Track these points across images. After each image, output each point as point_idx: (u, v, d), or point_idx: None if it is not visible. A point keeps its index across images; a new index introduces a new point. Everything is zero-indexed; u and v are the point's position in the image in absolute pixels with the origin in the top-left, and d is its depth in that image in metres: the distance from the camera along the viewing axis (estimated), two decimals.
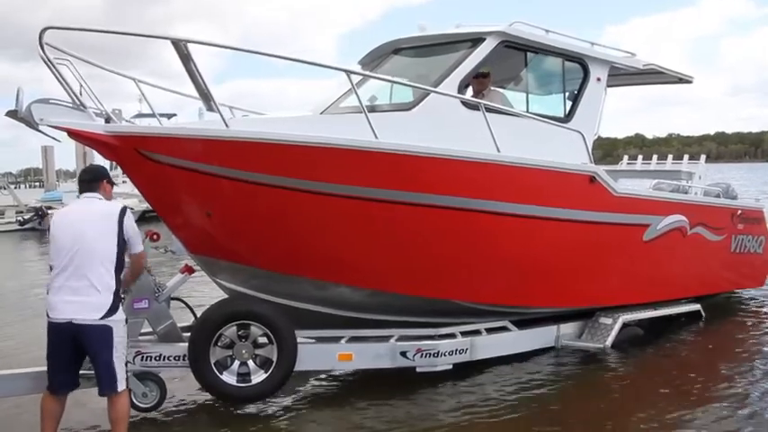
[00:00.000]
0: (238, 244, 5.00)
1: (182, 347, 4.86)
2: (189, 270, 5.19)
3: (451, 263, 5.35)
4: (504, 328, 5.92)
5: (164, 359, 4.84)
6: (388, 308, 5.39)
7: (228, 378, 4.81)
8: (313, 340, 5.43)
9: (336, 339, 5.33)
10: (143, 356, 4.78)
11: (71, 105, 4.40)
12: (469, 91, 6.07)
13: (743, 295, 8.66)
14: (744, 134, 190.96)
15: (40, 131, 4.30)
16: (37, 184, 77.95)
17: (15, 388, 4.62)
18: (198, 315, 5.18)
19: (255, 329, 4.86)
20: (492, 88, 6.03)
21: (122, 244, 3.93)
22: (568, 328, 6.34)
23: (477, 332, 5.75)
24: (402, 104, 5.49)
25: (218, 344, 4.82)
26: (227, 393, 4.84)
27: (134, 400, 4.62)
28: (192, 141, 4.57)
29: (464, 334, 5.66)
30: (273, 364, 4.84)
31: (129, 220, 3.98)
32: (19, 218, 22.56)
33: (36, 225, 21.56)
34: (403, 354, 5.27)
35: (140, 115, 19.12)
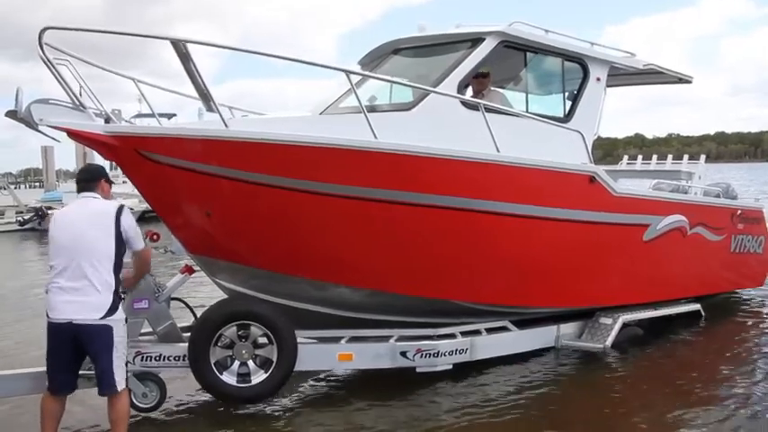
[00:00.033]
0: (238, 244, 5.00)
1: (182, 348, 4.86)
2: (189, 270, 5.19)
3: (451, 263, 5.35)
4: (504, 328, 5.92)
5: (164, 359, 4.83)
6: (387, 308, 5.39)
7: (228, 378, 4.81)
8: (313, 340, 5.43)
9: (336, 339, 5.33)
10: (143, 356, 4.77)
11: (71, 105, 4.40)
12: (469, 91, 6.07)
13: (743, 295, 8.66)
14: (744, 134, 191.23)
15: (39, 132, 4.30)
16: (37, 184, 77.93)
17: (15, 388, 4.61)
18: (198, 315, 5.18)
19: (255, 330, 4.86)
20: (492, 88, 6.03)
21: (120, 242, 3.92)
22: (568, 328, 6.34)
23: (477, 332, 5.74)
24: (402, 104, 5.49)
25: (218, 344, 4.82)
26: (227, 393, 4.84)
27: (134, 401, 4.62)
28: (192, 141, 4.57)
29: (464, 334, 5.66)
30: (273, 365, 4.84)
31: (127, 219, 3.96)
32: (19, 218, 22.57)
33: (36, 225, 21.56)
34: (403, 354, 5.27)
35: (140, 115, 19.13)
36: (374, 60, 6.31)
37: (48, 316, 3.82)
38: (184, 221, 5.03)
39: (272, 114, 6.00)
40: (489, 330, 5.82)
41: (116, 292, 3.89)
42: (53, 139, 4.75)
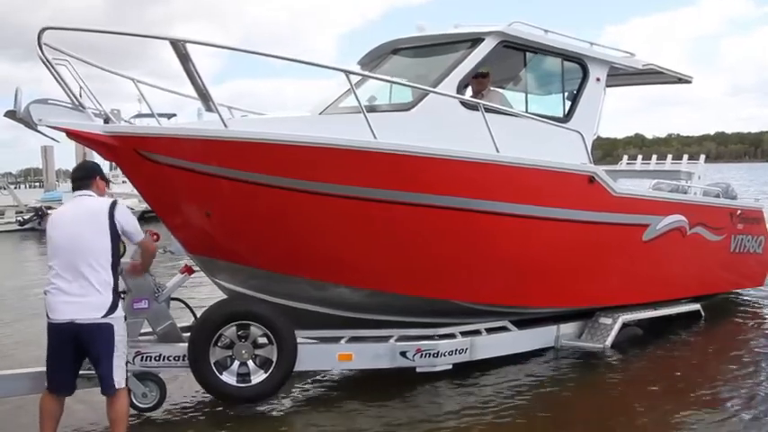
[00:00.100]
0: (237, 244, 5.00)
1: (181, 348, 4.85)
2: (189, 270, 5.18)
3: (451, 263, 5.34)
4: (503, 328, 5.92)
5: (163, 359, 4.83)
6: (387, 308, 5.39)
7: (228, 378, 4.81)
8: (313, 340, 5.43)
9: (336, 339, 5.33)
10: (143, 357, 4.77)
11: (70, 106, 4.40)
12: (469, 91, 6.07)
13: (742, 295, 8.66)
14: (743, 134, 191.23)
15: (38, 132, 4.29)
16: (37, 184, 77.99)
17: (15, 388, 4.61)
18: (198, 315, 5.18)
19: (255, 330, 4.86)
20: (491, 88, 6.03)
21: (116, 239, 3.91)
22: (568, 328, 6.34)
23: (476, 332, 5.74)
24: (401, 105, 5.49)
25: (218, 344, 4.82)
26: (227, 394, 4.84)
27: (134, 401, 4.62)
28: (191, 141, 4.57)
29: (464, 334, 5.66)
30: (273, 365, 4.84)
31: (122, 214, 3.94)
32: (19, 218, 22.60)
33: (36, 225, 21.57)
34: (403, 354, 5.27)
35: (140, 115, 19.12)
36: (374, 60, 6.31)
37: (48, 317, 3.82)
38: (184, 221, 5.03)
39: (272, 114, 6.00)
40: (489, 330, 5.81)
41: (115, 291, 3.90)
42: (52, 139, 4.74)
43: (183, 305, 5.45)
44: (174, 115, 21.16)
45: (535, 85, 6.50)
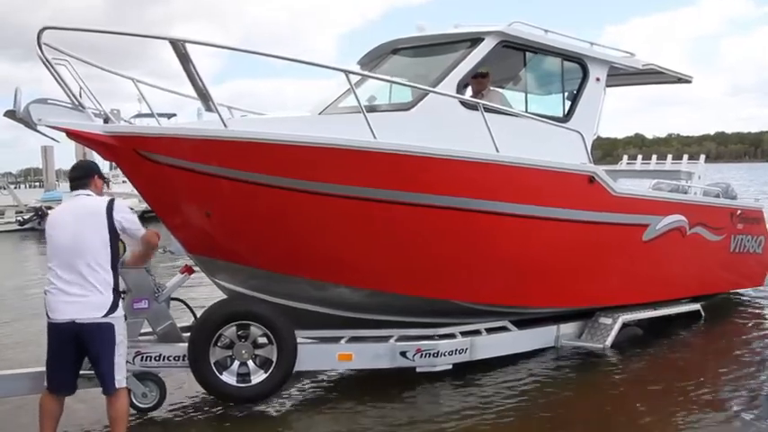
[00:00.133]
0: (237, 244, 5.00)
1: (181, 348, 4.85)
2: (189, 270, 5.18)
3: (451, 263, 5.34)
4: (503, 328, 5.92)
5: (163, 359, 4.83)
6: (387, 308, 5.39)
7: (228, 378, 4.81)
8: (313, 340, 5.43)
9: (336, 339, 5.33)
10: (143, 356, 4.77)
11: (69, 105, 4.40)
12: (468, 91, 6.07)
13: (742, 295, 8.66)
14: (743, 134, 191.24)
15: (38, 132, 4.29)
16: (37, 184, 77.97)
17: (14, 388, 4.61)
18: (198, 315, 5.18)
19: (255, 330, 4.86)
20: (491, 88, 6.02)
21: (115, 237, 3.91)
22: (568, 328, 6.34)
23: (476, 332, 5.74)
24: (401, 104, 5.49)
25: (218, 344, 4.82)
26: (227, 394, 4.84)
27: (134, 401, 4.62)
28: (191, 141, 4.56)
29: (464, 334, 5.66)
30: (273, 365, 4.84)
31: (120, 211, 3.93)
32: (19, 218, 22.62)
33: (36, 225, 21.57)
34: (403, 354, 5.27)
35: (139, 115, 19.12)
36: (373, 60, 6.31)
37: (48, 317, 3.81)
38: (184, 221, 5.02)
39: (272, 114, 6.00)
40: (489, 330, 5.82)
41: (116, 290, 3.90)
42: (52, 139, 4.74)
43: (183, 305, 5.46)
44: (174, 115, 21.18)
45: (535, 84, 6.49)
